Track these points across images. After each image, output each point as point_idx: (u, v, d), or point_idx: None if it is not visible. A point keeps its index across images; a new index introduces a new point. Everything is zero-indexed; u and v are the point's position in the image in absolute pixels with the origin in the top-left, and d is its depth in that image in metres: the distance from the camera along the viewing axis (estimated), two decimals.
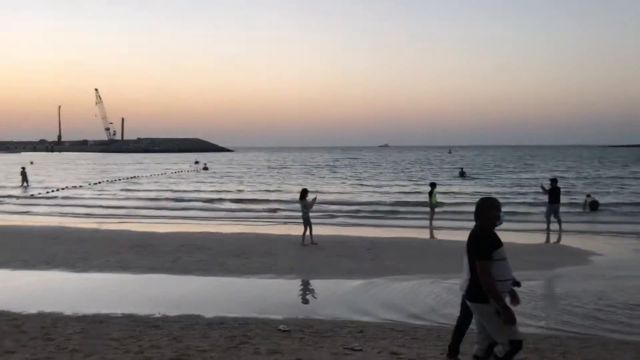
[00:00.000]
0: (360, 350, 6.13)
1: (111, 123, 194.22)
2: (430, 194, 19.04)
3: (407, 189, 34.57)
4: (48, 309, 8.26)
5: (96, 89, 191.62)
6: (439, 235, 17.04)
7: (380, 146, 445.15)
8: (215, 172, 57.60)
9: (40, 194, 31.71)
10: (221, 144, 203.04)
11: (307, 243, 14.19)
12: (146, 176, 49.70)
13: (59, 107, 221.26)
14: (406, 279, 10.38)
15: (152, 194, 31.90)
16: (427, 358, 5.90)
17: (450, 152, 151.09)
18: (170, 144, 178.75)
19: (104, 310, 8.17)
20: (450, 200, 26.77)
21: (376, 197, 29.54)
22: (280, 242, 14.77)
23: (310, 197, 15.00)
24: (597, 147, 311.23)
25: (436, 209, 19.48)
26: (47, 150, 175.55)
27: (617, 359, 6.09)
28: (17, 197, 30.04)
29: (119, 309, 8.27)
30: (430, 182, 21.04)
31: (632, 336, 7.10)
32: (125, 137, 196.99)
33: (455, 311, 8.32)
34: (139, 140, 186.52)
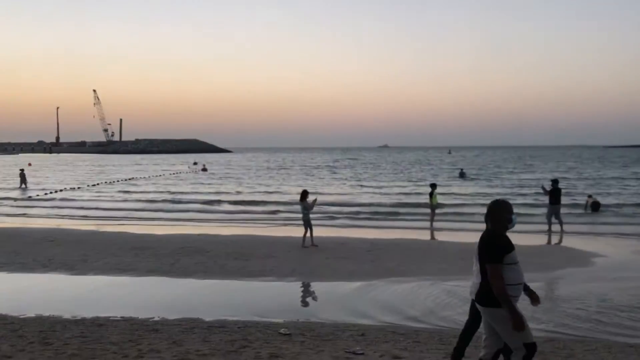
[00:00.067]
0: (362, 354, 6.05)
1: (109, 124, 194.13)
2: (431, 195, 18.97)
3: (407, 190, 34.52)
4: (46, 312, 8.19)
5: (94, 90, 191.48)
6: (440, 236, 16.97)
7: (379, 147, 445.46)
8: (213, 173, 57.51)
9: (38, 195, 31.60)
10: (220, 145, 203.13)
11: (308, 245, 14.11)
12: (144, 177, 49.60)
13: (57, 108, 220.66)
14: (407, 281, 10.31)
15: (151, 196, 31.80)
16: None
17: (450, 153, 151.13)
18: (168, 145, 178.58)
19: (103, 314, 8.09)
20: (451, 201, 26.71)
21: (376, 198, 29.49)
22: (280, 244, 14.69)
23: (310, 198, 14.91)
24: (597, 147, 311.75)
25: (437, 210, 19.41)
26: (45, 152, 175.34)
27: None
28: (15, 199, 29.93)
29: (118, 312, 8.19)
30: (430, 183, 20.98)
31: (636, 339, 7.03)
32: (124, 138, 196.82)
33: (457, 314, 8.31)
34: (137, 141, 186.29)
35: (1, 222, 20.43)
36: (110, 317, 7.93)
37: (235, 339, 6.66)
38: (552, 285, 10.24)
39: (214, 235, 16.53)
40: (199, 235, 16.49)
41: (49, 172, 61.78)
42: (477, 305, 4.73)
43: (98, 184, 41.30)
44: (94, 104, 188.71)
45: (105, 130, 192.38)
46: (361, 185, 39.32)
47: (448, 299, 9.14)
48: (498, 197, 5.77)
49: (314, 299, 9.75)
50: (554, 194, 17.48)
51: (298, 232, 15.23)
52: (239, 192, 34.25)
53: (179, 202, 28.71)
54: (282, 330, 7.08)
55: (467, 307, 8.57)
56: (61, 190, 34.62)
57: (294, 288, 10.30)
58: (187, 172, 59.23)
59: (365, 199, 29.09)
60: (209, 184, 42.45)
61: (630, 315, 8.07)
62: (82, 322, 7.62)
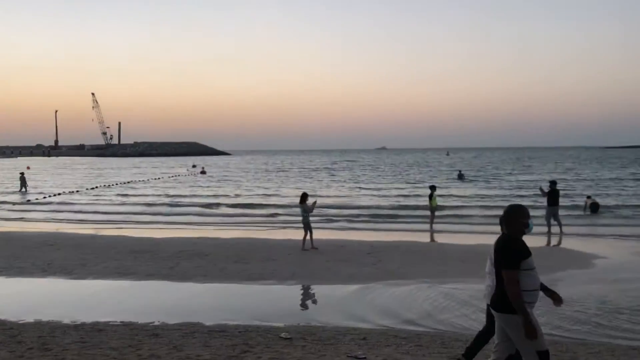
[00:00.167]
0: (364, 358, 6.01)
1: (108, 127, 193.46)
2: (430, 197, 18.93)
3: (405, 192, 34.51)
4: (45, 317, 8.14)
5: (93, 93, 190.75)
6: (440, 238, 16.94)
7: (377, 149, 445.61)
8: (212, 176, 57.46)
9: (37, 199, 31.53)
10: (219, 148, 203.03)
11: (308, 248, 14.08)
12: (143, 181, 49.53)
13: (56, 111, 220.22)
14: (408, 284, 10.28)
15: (149, 199, 31.76)
16: None
17: (448, 154, 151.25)
18: (167, 147, 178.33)
19: (102, 318, 8.05)
20: (450, 203, 26.70)
21: (375, 201, 29.46)
22: (280, 247, 14.65)
23: (310, 201, 14.87)
24: (595, 148, 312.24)
25: (436, 212, 19.38)
26: (43, 155, 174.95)
27: None
28: (13, 203, 29.85)
29: (117, 317, 8.14)
30: (429, 185, 20.97)
31: (638, 342, 7.01)
32: (122, 141, 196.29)
33: (457, 316, 8.28)
34: (135, 144, 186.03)
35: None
36: (109, 321, 7.88)
37: (236, 344, 6.62)
38: (551, 287, 10.16)
39: (213, 238, 16.49)
40: (198, 238, 16.44)
41: (47, 175, 61.65)
42: (492, 311, 4.68)
43: (96, 187, 41.23)
44: (93, 107, 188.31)
45: (104, 133, 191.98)
46: (360, 188, 39.29)
47: (449, 301, 9.11)
48: (514, 202, 5.75)
49: (315, 302, 9.71)
50: (552, 195, 17.47)
51: (297, 234, 15.19)
52: (237, 195, 34.21)
53: (178, 205, 28.66)
54: (283, 335, 7.05)
55: (467, 310, 8.60)
56: (59, 194, 34.54)
57: (295, 291, 10.26)
58: (185, 175, 59.16)
59: (364, 201, 29.07)
60: (208, 186, 42.41)
61: (631, 318, 8.05)
62: (81, 327, 7.57)
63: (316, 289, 10.37)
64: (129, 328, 7.50)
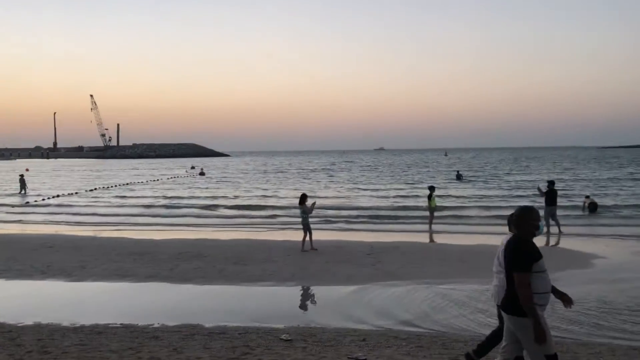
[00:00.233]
0: None
1: (107, 129, 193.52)
2: (430, 197, 18.92)
3: (404, 193, 34.51)
4: (45, 320, 8.13)
5: (91, 95, 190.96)
6: (439, 239, 16.93)
7: (376, 149, 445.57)
8: (211, 178, 57.42)
9: (36, 201, 31.48)
10: (217, 149, 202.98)
11: (307, 249, 14.07)
12: (142, 182, 49.49)
13: (54, 113, 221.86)
14: (408, 285, 10.27)
15: (148, 201, 31.73)
16: None
17: (446, 155, 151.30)
18: (166, 149, 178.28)
19: (102, 321, 8.03)
20: (449, 203, 26.71)
21: (374, 201, 29.47)
22: (280, 248, 14.64)
23: (309, 202, 14.86)
24: (593, 148, 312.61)
25: (435, 213, 19.37)
26: (42, 157, 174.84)
27: None
28: (12, 206, 29.79)
29: (117, 319, 8.13)
30: (429, 185, 20.96)
31: (638, 342, 7.00)
32: (121, 143, 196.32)
33: (458, 317, 8.27)
34: (134, 145, 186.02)
35: None
36: (109, 324, 7.86)
37: (236, 346, 6.61)
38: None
39: (212, 240, 16.47)
40: (197, 240, 16.42)
41: (45, 177, 61.56)
42: (502, 313, 4.66)
43: (95, 189, 41.17)
44: (91, 109, 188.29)
45: (103, 135, 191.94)
46: (359, 188, 39.27)
47: (449, 302, 9.10)
48: (524, 204, 5.76)
49: (315, 303, 9.70)
50: (550, 195, 17.47)
51: (297, 236, 15.18)
52: (236, 197, 34.17)
53: (177, 206, 28.62)
54: (283, 336, 7.03)
55: (467, 310, 8.59)
56: (58, 196, 34.48)
57: (294, 293, 10.25)
58: (184, 177, 59.12)
59: (363, 202, 29.06)
60: (207, 188, 42.37)
61: (631, 318, 8.05)
62: (81, 329, 7.55)
63: (316, 290, 10.36)
64: (129, 330, 7.49)
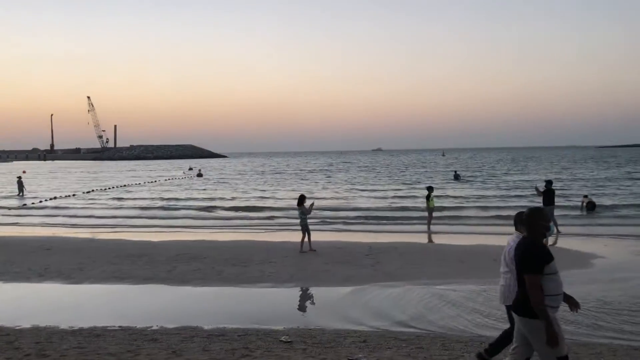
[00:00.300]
0: None
1: (104, 131, 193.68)
2: (428, 197, 18.91)
3: (402, 193, 34.51)
4: (43, 323, 8.08)
5: (88, 97, 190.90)
6: (437, 239, 16.91)
7: (373, 150, 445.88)
8: (209, 179, 57.33)
9: (33, 203, 31.37)
10: (215, 150, 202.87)
11: (306, 250, 14.03)
12: (139, 184, 49.37)
13: (51, 115, 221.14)
14: (407, 286, 10.24)
15: (146, 202, 31.64)
16: None
17: (443, 155, 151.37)
18: (163, 150, 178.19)
19: (100, 323, 7.98)
20: (447, 204, 26.69)
21: (372, 202, 29.45)
22: (278, 249, 14.60)
23: (307, 203, 14.83)
24: (590, 147, 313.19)
25: (434, 213, 19.36)
26: (39, 159, 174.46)
27: None
28: (9, 208, 29.68)
29: (115, 322, 8.08)
30: (427, 186, 20.95)
31: (638, 342, 6.98)
32: (118, 145, 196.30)
33: (458, 318, 8.24)
34: (131, 147, 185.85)
35: None
36: (107, 326, 7.82)
37: (235, 348, 6.57)
38: None
39: (210, 241, 16.43)
40: (195, 241, 16.38)
41: (42, 179, 61.39)
42: (513, 314, 4.63)
43: (92, 190, 41.07)
44: (88, 110, 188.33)
45: (100, 136, 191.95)
46: (357, 189, 39.24)
47: (448, 303, 9.07)
48: (537, 205, 5.75)
49: (314, 305, 9.66)
50: (548, 194, 17.46)
51: (295, 237, 15.14)
52: (234, 198, 34.12)
53: (175, 208, 28.56)
54: (283, 338, 7.00)
55: (467, 311, 8.56)
56: (55, 198, 34.38)
57: (294, 294, 10.20)
58: (182, 178, 59.02)
59: (361, 203, 29.04)
60: (204, 189, 42.30)
61: (631, 318, 8.02)
62: (79, 332, 7.51)
63: (315, 292, 10.32)
64: (127, 333, 7.44)
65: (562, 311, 8.22)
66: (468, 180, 45.96)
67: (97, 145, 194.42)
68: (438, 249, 15.07)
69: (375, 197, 32.23)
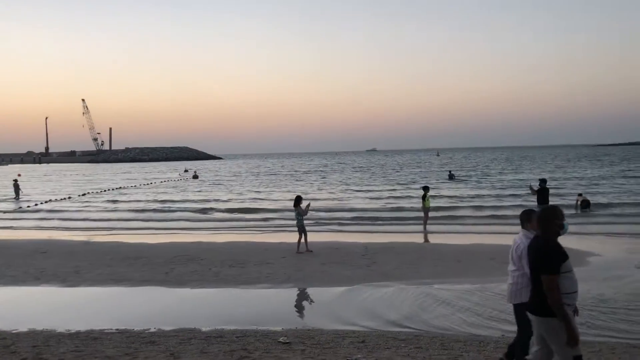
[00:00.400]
0: None
1: (99, 133, 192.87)
2: (424, 197, 18.94)
3: (397, 193, 34.53)
4: (39, 326, 8.04)
5: (83, 100, 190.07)
6: (433, 239, 16.94)
7: (368, 150, 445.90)
8: (204, 181, 57.23)
9: (28, 207, 31.24)
10: (210, 152, 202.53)
11: (302, 251, 14.04)
12: (135, 186, 49.24)
13: (46, 118, 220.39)
14: (405, 285, 10.25)
15: (142, 205, 31.56)
16: None
17: (438, 155, 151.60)
18: (158, 152, 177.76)
19: (97, 326, 7.96)
20: (442, 204, 26.73)
21: (368, 202, 29.46)
22: (275, 250, 14.60)
23: (303, 204, 14.84)
24: (584, 146, 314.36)
25: (429, 213, 19.38)
26: (34, 162, 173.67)
27: None
28: (4, 212, 29.54)
29: (113, 325, 8.06)
30: (423, 185, 20.97)
31: (636, 340, 7.01)
32: (113, 147, 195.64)
33: (456, 317, 8.25)
34: (127, 149, 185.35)
35: None
36: (105, 329, 7.79)
37: (234, 349, 6.56)
38: None
39: (207, 243, 16.40)
40: (192, 243, 16.35)
41: (37, 182, 61.13)
42: (530, 315, 4.58)
43: (87, 193, 40.93)
44: (83, 113, 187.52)
45: (95, 139, 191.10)
46: (352, 190, 39.25)
47: (447, 302, 9.08)
48: (551, 204, 5.73)
49: (312, 305, 9.65)
50: (542, 193, 17.50)
51: (292, 238, 15.14)
52: (230, 200, 34.07)
53: (171, 210, 28.50)
54: (281, 339, 6.99)
55: (466, 310, 8.57)
56: (50, 201, 34.25)
57: (291, 295, 10.20)
58: (177, 180, 58.90)
59: (357, 203, 29.05)
60: (200, 191, 42.21)
61: (628, 317, 8.05)
62: (76, 335, 7.48)
63: (312, 292, 10.32)
64: (125, 336, 7.42)
65: None
66: (462, 180, 46.02)
67: (92, 148, 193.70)
68: (434, 248, 15.09)
69: (371, 198, 32.25)
